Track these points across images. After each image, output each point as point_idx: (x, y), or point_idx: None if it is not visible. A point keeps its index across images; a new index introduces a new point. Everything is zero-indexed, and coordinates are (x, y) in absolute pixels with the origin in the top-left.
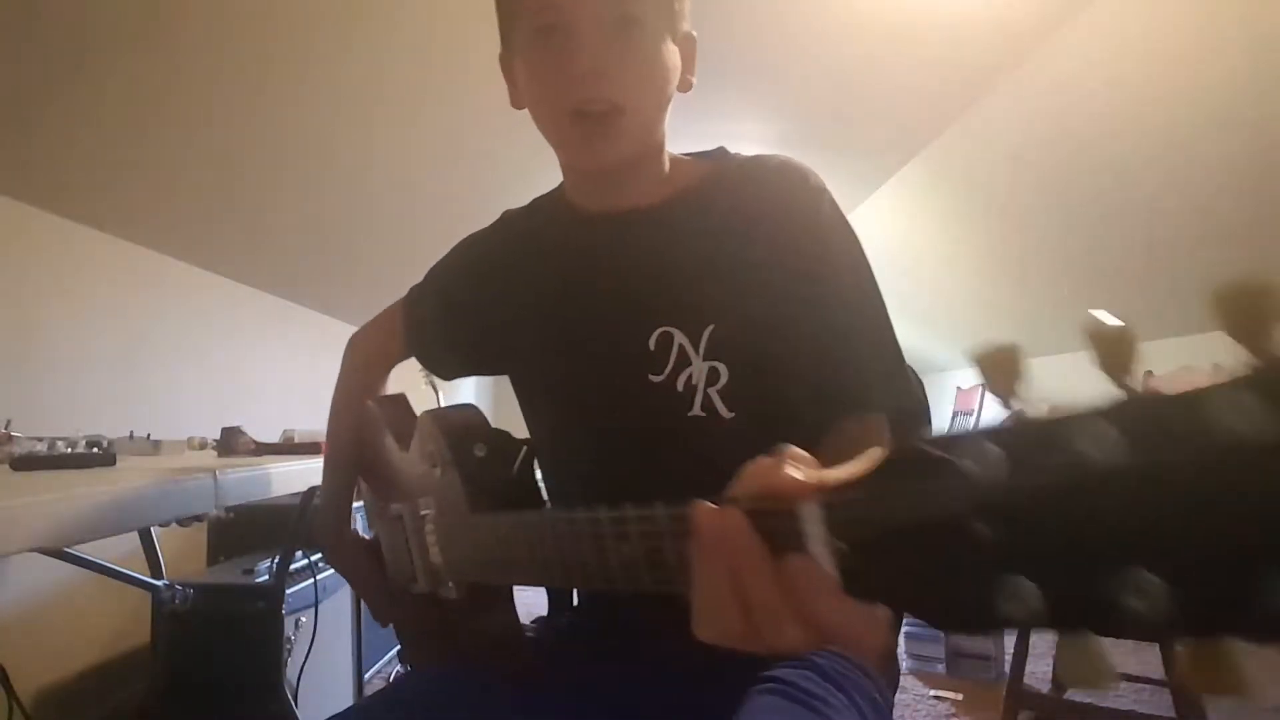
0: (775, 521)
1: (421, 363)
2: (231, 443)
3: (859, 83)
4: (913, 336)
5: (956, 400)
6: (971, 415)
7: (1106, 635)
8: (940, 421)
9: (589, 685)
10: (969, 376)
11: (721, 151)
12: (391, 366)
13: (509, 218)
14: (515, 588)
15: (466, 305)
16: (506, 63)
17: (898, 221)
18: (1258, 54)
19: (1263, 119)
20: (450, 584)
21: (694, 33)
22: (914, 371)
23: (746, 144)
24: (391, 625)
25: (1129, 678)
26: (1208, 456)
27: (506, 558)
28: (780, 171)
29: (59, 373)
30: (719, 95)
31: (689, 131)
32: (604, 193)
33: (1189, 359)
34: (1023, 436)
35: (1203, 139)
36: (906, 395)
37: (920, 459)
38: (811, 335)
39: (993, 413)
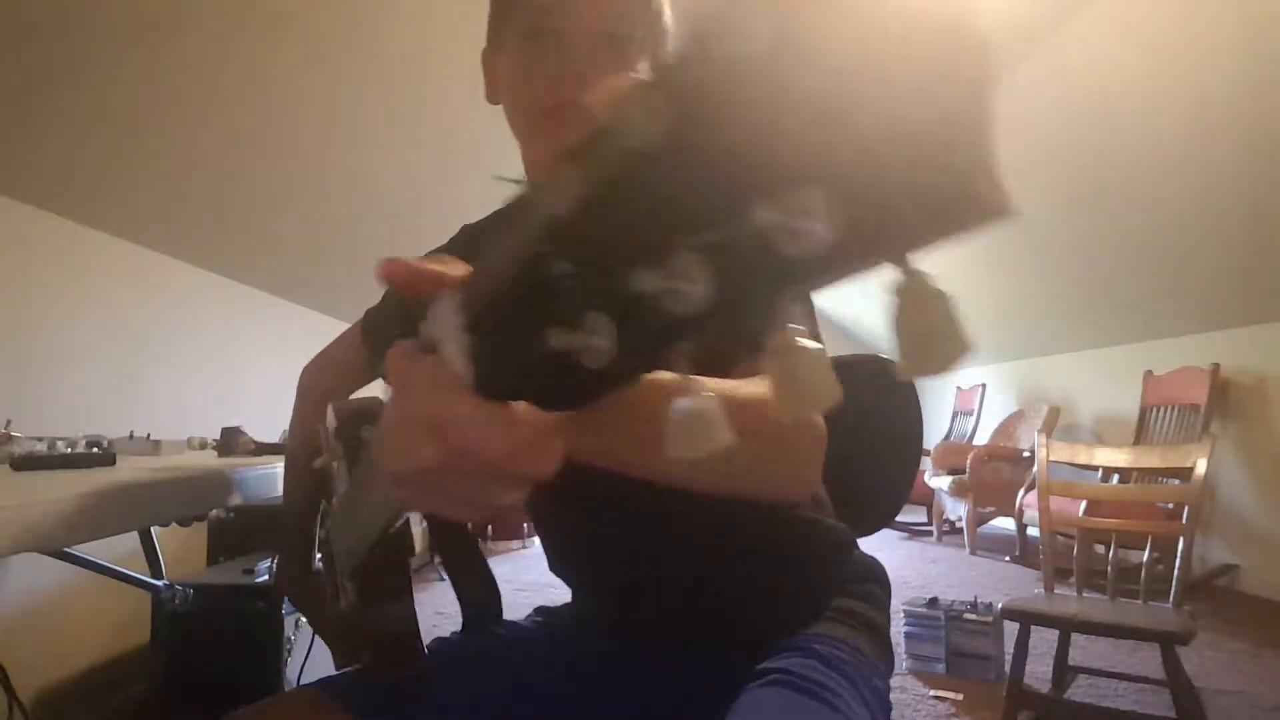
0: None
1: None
2: (231, 443)
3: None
4: None
5: (956, 400)
6: (972, 415)
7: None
8: (940, 421)
9: (589, 676)
10: (969, 376)
11: None
12: (353, 388)
13: (469, 232)
14: (539, 582)
15: (418, 320)
16: (489, 59)
17: None
18: (1261, 51)
19: (1266, 117)
20: (348, 586)
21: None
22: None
23: None
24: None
25: (1129, 678)
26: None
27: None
28: None
29: (59, 373)
30: None
31: None
32: None
33: (1189, 359)
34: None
35: (1205, 137)
36: None
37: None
38: None
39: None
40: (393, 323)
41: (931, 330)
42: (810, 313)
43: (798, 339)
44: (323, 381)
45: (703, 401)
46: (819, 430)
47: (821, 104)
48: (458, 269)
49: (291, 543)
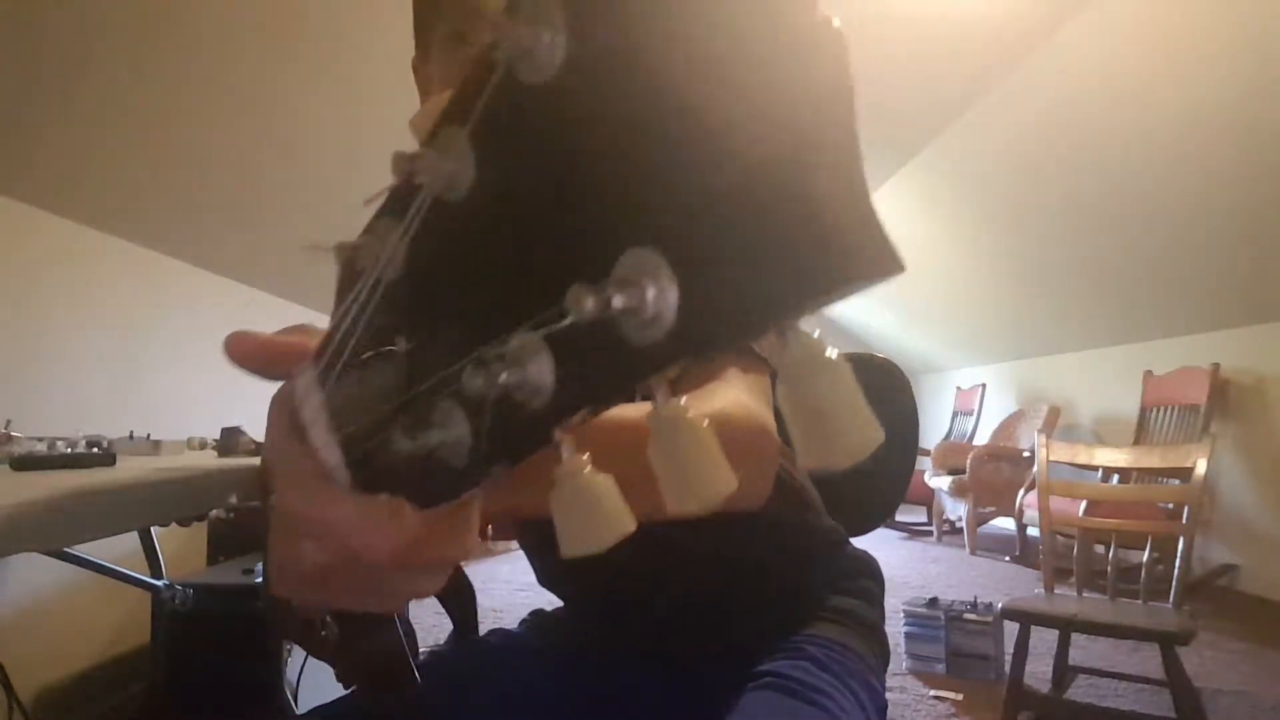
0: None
1: None
2: (231, 443)
3: (861, 81)
4: (912, 336)
5: (956, 400)
6: (972, 415)
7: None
8: (940, 421)
9: (583, 685)
10: (969, 376)
11: None
12: None
13: None
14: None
15: None
16: (419, 68)
17: (896, 221)
18: (1261, 51)
19: (1263, 118)
20: (328, 619)
21: None
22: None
23: None
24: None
25: (1129, 678)
26: None
27: None
28: None
29: (59, 373)
30: None
31: None
32: None
33: (1189, 359)
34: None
35: (1205, 137)
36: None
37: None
38: None
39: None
40: None
41: (828, 411)
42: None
43: (682, 414)
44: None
45: (591, 483)
46: (771, 433)
47: (630, 144)
48: (308, 339)
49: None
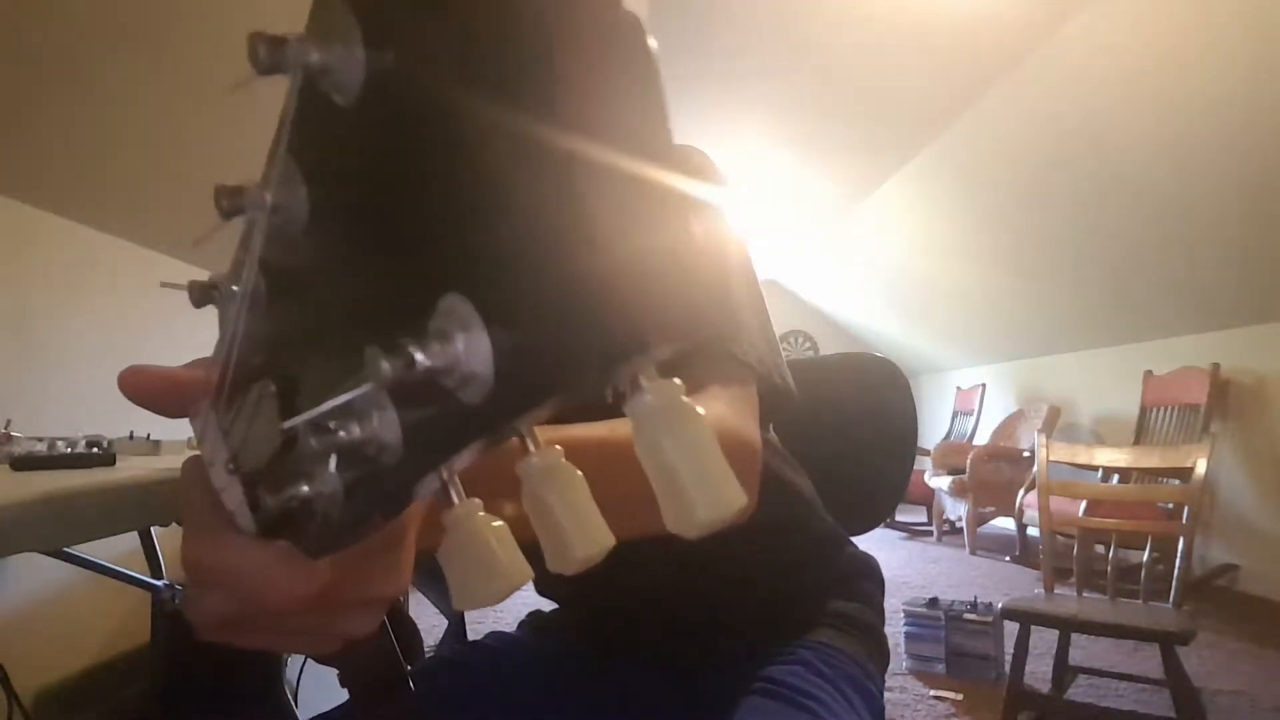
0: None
1: None
2: None
3: (861, 82)
4: (912, 336)
5: (956, 400)
6: (972, 415)
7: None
8: (940, 421)
9: (580, 691)
10: (969, 376)
11: None
12: None
13: None
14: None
15: None
16: None
17: (898, 221)
18: (1261, 50)
19: (1263, 117)
20: None
21: None
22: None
23: (750, 141)
24: None
25: (1129, 678)
26: None
27: None
28: None
29: (59, 373)
30: (728, 94)
31: (698, 129)
32: None
33: (1189, 359)
34: None
35: (1205, 137)
36: (775, 367)
37: None
38: None
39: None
40: None
41: (677, 468)
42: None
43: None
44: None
45: (482, 532)
46: (754, 447)
47: (437, 177)
48: (204, 372)
49: None
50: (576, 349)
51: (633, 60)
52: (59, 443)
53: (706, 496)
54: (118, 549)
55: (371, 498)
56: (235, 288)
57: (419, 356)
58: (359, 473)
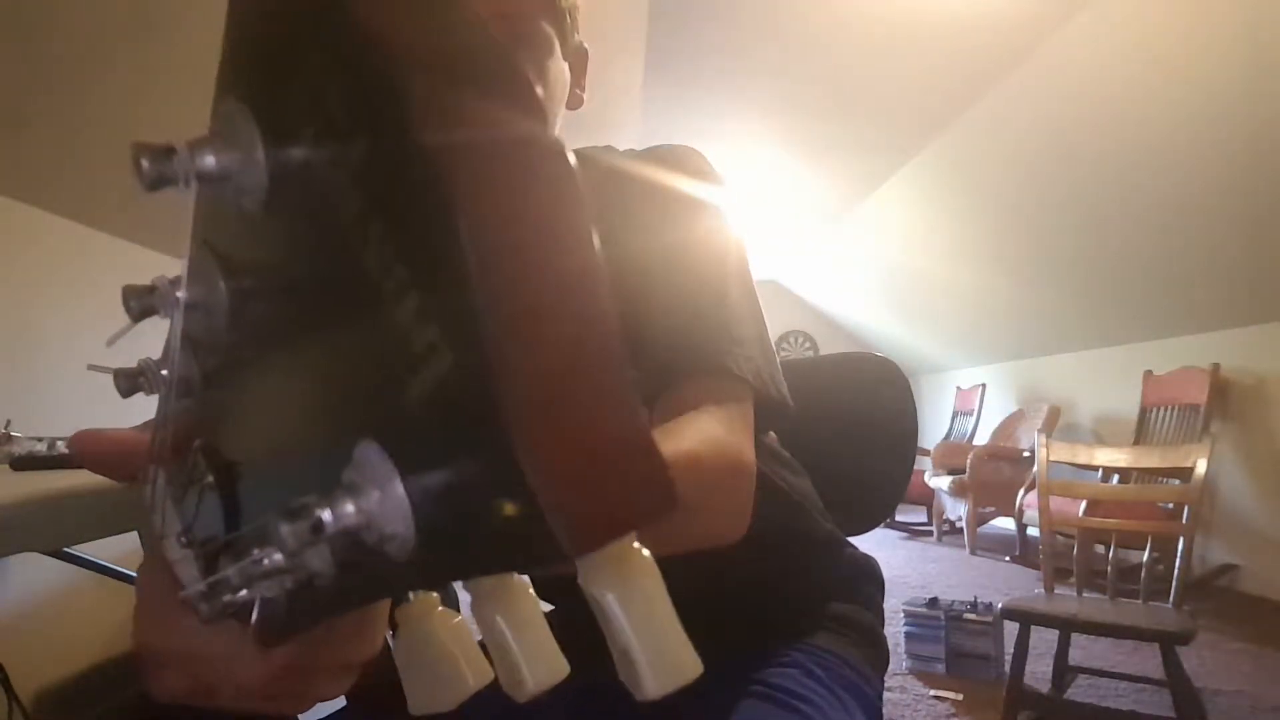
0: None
1: None
2: None
3: (861, 82)
4: (912, 335)
5: (956, 400)
6: (972, 415)
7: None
8: (940, 421)
9: (575, 687)
10: (969, 376)
11: (608, 149)
12: None
13: None
14: None
15: None
16: None
17: (898, 221)
18: (1260, 50)
19: (1262, 116)
20: None
21: (585, 45)
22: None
23: (749, 141)
24: None
25: (1129, 678)
26: None
27: None
28: (659, 154)
29: (59, 373)
30: (727, 94)
31: (697, 129)
32: None
33: (1189, 359)
34: None
35: (1204, 137)
36: (771, 380)
37: None
38: (666, 288)
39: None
40: None
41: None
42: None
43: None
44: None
45: (438, 632)
46: (747, 467)
47: (346, 302)
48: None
49: None
50: (516, 520)
51: (557, 189)
52: (59, 443)
53: (661, 667)
54: (118, 549)
55: (316, 604)
56: (164, 372)
57: (326, 516)
58: (293, 586)
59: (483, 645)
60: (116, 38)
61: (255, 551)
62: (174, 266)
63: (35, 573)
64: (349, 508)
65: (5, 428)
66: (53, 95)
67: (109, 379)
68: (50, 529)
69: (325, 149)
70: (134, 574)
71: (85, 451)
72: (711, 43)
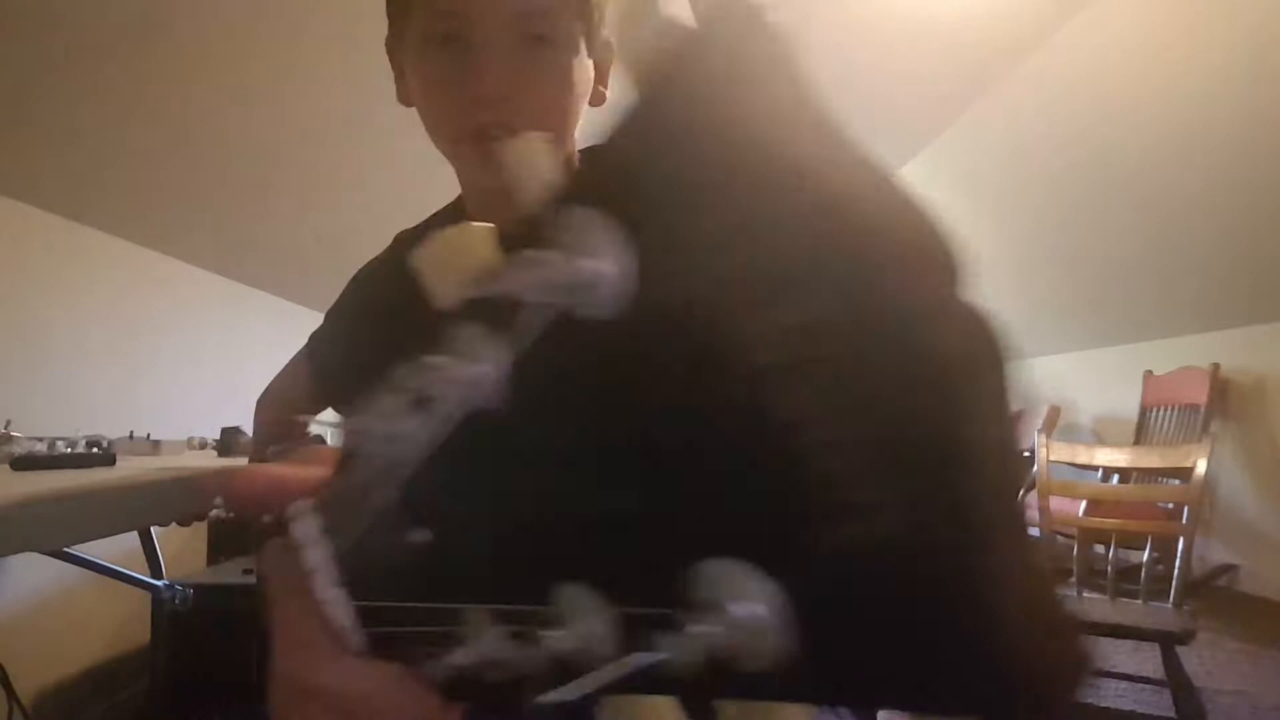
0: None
1: (334, 408)
2: (231, 443)
3: (859, 82)
4: None
5: None
6: None
7: None
8: None
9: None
10: None
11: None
12: (302, 427)
13: (402, 239)
14: None
15: (367, 344)
16: (394, 51)
17: None
18: (1260, 50)
19: (1263, 116)
20: None
21: (613, 41)
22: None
23: None
24: None
25: (1129, 678)
26: None
27: None
28: None
29: (59, 373)
30: None
31: None
32: (504, 205)
33: (1189, 359)
34: None
35: (1204, 137)
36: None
37: None
38: None
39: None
40: (340, 347)
41: None
42: None
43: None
44: (269, 419)
45: None
46: None
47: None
48: (315, 471)
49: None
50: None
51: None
52: (59, 443)
53: None
54: (118, 549)
55: (541, 681)
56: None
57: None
58: (545, 665)
59: None
60: (117, 36)
61: (542, 627)
62: (174, 266)
63: (35, 573)
64: (716, 621)
65: (5, 428)
66: (52, 95)
67: (97, 376)
68: (50, 529)
69: None
70: (134, 574)
71: (248, 493)
72: None
